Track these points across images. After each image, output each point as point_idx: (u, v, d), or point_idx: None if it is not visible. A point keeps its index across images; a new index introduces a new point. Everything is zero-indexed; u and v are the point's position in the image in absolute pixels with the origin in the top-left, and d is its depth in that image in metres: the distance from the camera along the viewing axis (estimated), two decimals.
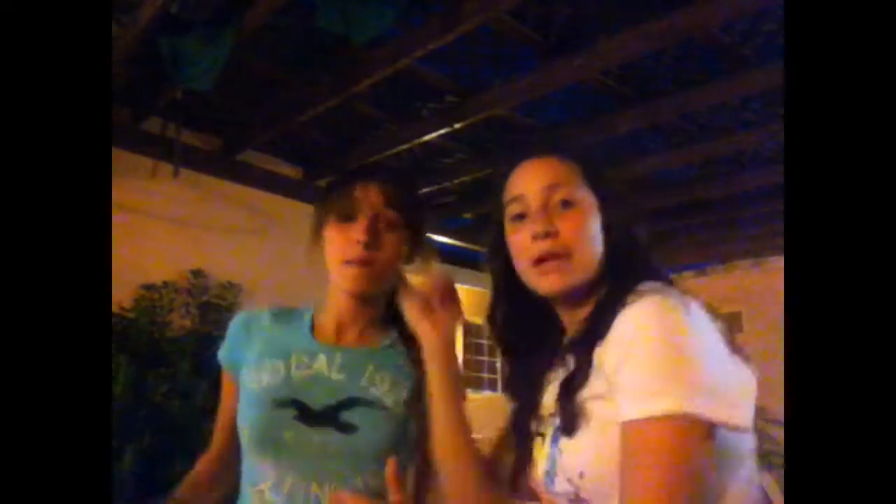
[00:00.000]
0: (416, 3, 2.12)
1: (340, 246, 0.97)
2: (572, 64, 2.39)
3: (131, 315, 2.79)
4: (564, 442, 0.72)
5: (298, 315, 1.07)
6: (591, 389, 0.70)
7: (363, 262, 0.95)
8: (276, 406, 0.94)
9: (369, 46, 2.31)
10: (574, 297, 0.80)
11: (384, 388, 0.97)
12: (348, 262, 0.95)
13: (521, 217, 0.82)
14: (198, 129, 3.29)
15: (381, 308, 1.04)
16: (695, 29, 2.18)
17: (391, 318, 1.04)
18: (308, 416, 0.93)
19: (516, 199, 0.84)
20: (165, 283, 2.96)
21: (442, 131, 2.99)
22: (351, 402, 0.95)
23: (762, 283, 5.39)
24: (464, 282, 5.49)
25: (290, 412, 0.93)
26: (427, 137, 3.06)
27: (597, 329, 0.71)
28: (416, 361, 0.96)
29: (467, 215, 4.51)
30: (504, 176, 0.88)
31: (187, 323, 2.99)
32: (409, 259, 1.03)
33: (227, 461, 1.03)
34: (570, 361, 0.76)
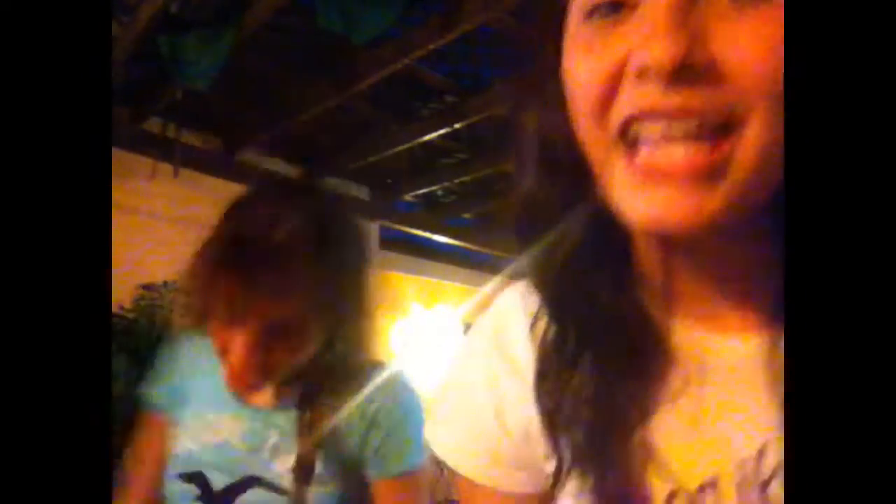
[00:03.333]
0: (416, 3, 2.11)
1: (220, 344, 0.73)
2: None
3: (131, 315, 2.78)
4: None
5: (207, 347, 0.78)
6: None
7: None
8: (184, 479, 0.78)
9: (369, 46, 2.31)
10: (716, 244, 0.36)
11: (286, 465, 0.76)
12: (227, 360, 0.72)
13: (615, 8, 0.33)
14: (198, 129, 3.29)
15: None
16: None
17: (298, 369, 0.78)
18: (208, 498, 0.76)
19: None
20: (165, 283, 2.96)
21: (442, 131, 2.99)
22: (248, 483, 0.76)
23: None
24: (463, 282, 5.51)
25: (193, 490, 0.77)
26: (427, 137, 3.06)
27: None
28: (310, 427, 0.75)
29: (467, 215, 4.50)
30: None
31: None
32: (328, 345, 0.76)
33: None
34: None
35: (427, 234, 4.41)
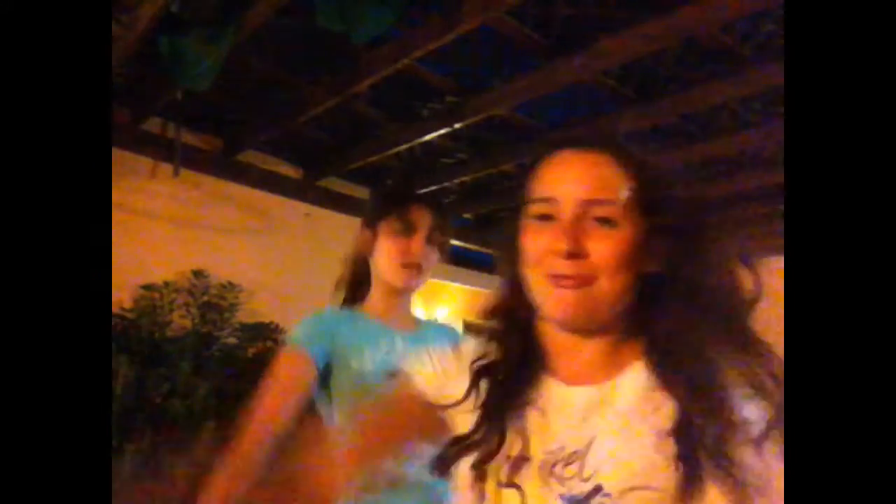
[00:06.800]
0: (416, 3, 2.11)
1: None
2: (572, 64, 2.39)
3: (131, 315, 2.78)
4: None
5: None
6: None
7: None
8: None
9: (369, 46, 2.31)
10: (582, 331, 0.68)
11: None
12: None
13: (545, 218, 0.66)
14: (198, 129, 3.29)
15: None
16: (695, 29, 2.18)
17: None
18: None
19: (545, 200, 0.67)
20: (165, 283, 2.96)
21: (442, 131, 2.99)
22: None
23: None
24: (463, 282, 5.49)
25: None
26: (427, 137, 3.06)
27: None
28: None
29: (467, 215, 4.50)
30: (533, 164, 0.71)
31: (187, 323, 2.99)
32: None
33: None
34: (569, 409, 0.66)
35: None
